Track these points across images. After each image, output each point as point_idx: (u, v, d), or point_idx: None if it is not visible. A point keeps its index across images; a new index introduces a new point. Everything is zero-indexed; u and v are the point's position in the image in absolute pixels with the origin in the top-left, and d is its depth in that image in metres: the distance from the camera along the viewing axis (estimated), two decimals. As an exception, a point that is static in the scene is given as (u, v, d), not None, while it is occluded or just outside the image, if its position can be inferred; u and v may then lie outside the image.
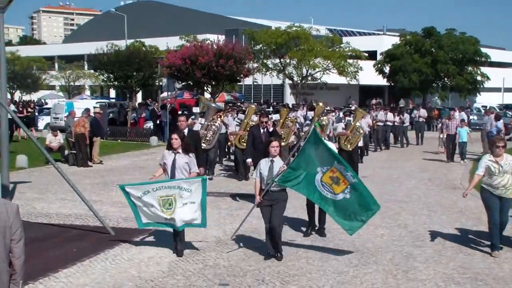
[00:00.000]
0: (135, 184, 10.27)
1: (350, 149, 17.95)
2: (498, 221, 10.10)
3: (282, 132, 18.69)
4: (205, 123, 17.96)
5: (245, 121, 19.05)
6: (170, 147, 10.11)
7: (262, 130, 14.88)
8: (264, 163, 9.80)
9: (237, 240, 10.64)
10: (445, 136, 24.21)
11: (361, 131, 18.71)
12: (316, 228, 11.59)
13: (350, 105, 45.93)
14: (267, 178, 9.66)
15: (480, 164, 10.56)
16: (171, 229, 9.95)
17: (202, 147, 17.34)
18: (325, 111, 21.11)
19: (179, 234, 9.89)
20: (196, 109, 21.81)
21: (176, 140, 9.94)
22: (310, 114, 21.77)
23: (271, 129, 15.14)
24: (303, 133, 18.68)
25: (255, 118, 21.21)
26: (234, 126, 20.57)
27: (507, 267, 9.55)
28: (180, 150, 9.99)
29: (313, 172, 9.81)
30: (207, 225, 10.15)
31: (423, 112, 32.40)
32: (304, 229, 11.70)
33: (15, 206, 5.34)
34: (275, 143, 9.84)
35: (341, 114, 22.08)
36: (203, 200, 9.62)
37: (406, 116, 31.23)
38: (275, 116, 19.99)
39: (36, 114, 39.11)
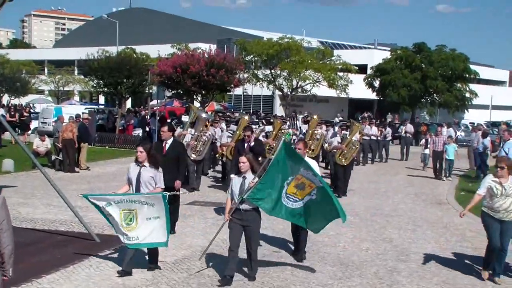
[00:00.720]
0: (98, 195, 9.62)
1: (345, 164, 17.83)
2: (498, 246, 9.55)
3: (274, 145, 18.07)
4: (195, 133, 17.65)
5: (238, 132, 18.19)
6: (136, 160, 9.55)
7: (246, 144, 14.09)
8: (236, 180, 9.25)
9: (221, 250, 10.63)
10: (431, 153, 23.91)
11: (357, 146, 18.48)
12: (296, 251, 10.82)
13: (336, 118, 46.04)
14: (238, 195, 9.03)
15: (483, 183, 9.85)
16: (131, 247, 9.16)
17: (192, 158, 17.31)
18: (319, 124, 21.19)
19: (139, 252, 9.24)
20: (185, 118, 21.37)
21: (141, 153, 9.40)
22: (304, 127, 21.60)
23: (252, 143, 14.16)
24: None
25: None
26: (226, 137, 19.68)
27: (489, 283, 9.60)
28: (146, 164, 9.43)
29: (281, 188, 9.17)
30: (194, 234, 10.15)
31: (409, 128, 32.12)
32: (290, 245, 11.68)
33: (1, 197, 5.60)
34: (242, 159, 9.19)
35: (337, 128, 21.73)
36: (167, 217, 9.03)
37: (389, 131, 30.84)
38: (268, 128, 19.54)
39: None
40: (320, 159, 23.56)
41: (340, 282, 9.39)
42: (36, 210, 13.97)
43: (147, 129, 32.41)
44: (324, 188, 9.07)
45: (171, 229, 11.36)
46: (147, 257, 9.65)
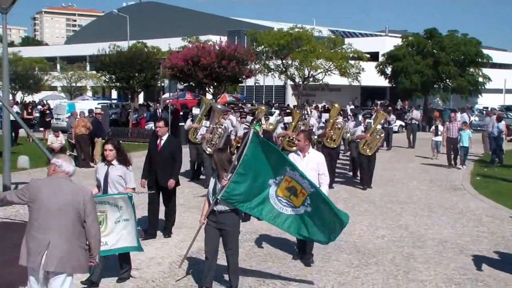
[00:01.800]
0: None
1: (369, 154, 17.18)
2: None
3: (294, 136, 16.29)
4: (210, 126, 16.82)
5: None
6: (104, 158, 8.87)
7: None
8: (212, 179, 8.41)
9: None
10: (444, 140, 23.08)
11: (381, 135, 17.57)
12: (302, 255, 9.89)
13: (348, 106, 45.77)
14: (212, 196, 8.20)
15: None
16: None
17: (208, 152, 16.20)
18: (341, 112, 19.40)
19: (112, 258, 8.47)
20: (196, 110, 20.40)
21: (110, 152, 8.73)
22: (325, 116, 19.92)
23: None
24: (315, 138, 18.08)
25: (271, 120, 20.12)
26: (243, 129, 18.28)
27: (508, 267, 9.56)
28: (114, 162, 8.77)
29: (264, 186, 8.22)
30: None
31: (415, 114, 31.74)
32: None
33: (89, 192, 6.26)
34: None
35: (360, 117, 20.86)
36: (135, 220, 8.29)
37: (393, 118, 30.48)
38: (287, 119, 18.52)
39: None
40: (342, 151, 22.63)
41: (356, 269, 9.39)
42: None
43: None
44: (316, 193, 8.14)
45: (166, 234, 11.25)
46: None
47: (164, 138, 11.12)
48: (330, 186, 16.33)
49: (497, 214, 13.92)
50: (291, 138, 17.06)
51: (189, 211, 13.63)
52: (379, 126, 17.86)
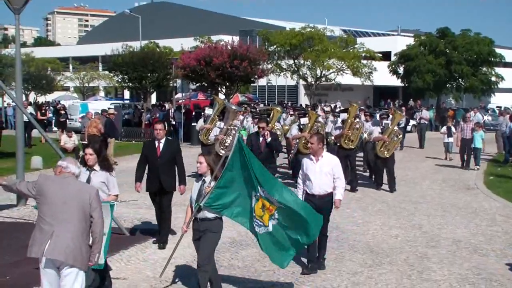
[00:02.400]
0: None
1: (387, 156, 16.63)
2: None
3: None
4: (224, 127, 16.38)
5: (270, 125, 16.82)
6: (85, 163, 8.37)
7: (261, 138, 12.98)
8: (195, 184, 8.02)
9: (248, 242, 10.66)
10: (458, 141, 22.32)
11: (399, 136, 17.10)
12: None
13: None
14: (195, 203, 7.82)
15: None
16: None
17: (221, 154, 15.10)
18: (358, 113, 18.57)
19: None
20: (209, 111, 19.31)
21: (91, 156, 8.34)
22: (342, 116, 18.71)
23: (268, 139, 12.96)
24: (332, 139, 17.64)
25: (285, 122, 19.60)
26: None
27: (522, 268, 9.53)
28: (96, 167, 8.40)
29: (248, 197, 7.79)
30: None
31: (424, 114, 31.59)
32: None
33: (94, 189, 6.48)
34: (200, 158, 7.94)
35: (378, 117, 20.14)
36: (108, 232, 7.43)
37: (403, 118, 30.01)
38: (303, 120, 17.39)
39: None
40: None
41: (370, 269, 9.39)
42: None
43: (173, 122, 32.62)
44: (283, 209, 7.61)
45: (162, 243, 10.55)
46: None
47: (163, 141, 10.67)
48: (355, 189, 16.49)
49: (511, 213, 13.87)
50: (307, 140, 15.60)
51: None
52: (395, 127, 17.36)
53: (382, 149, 16.66)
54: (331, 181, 9.14)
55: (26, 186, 6.35)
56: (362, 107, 27.06)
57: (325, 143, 15.55)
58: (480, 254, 10.32)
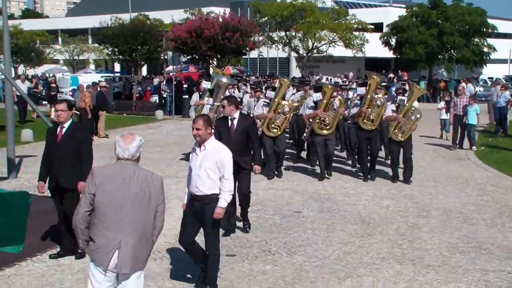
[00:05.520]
0: None
1: (402, 139, 13.72)
2: None
3: (326, 117, 13.84)
4: (215, 104, 13.72)
5: (276, 100, 14.19)
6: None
7: (230, 123, 9.40)
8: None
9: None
10: (451, 117, 20.02)
11: (418, 115, 13.81)
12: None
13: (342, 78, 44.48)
14: None
15: None
16: None
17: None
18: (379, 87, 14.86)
19: None
20: (206, 84, 16.07)
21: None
22: (360, 90, 15.68)
23: (235, 120, 9.37)
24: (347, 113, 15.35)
25: (294, 97, 16.95)
26: (261, 107, 14.43)
27: (511, 236, 9.61)
28: (66, 125, 8.23)
29: None
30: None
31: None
32: (313, 203, 11.71)
33: (160, 179, 5.40)
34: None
35: (393, 92, 16.82)
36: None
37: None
38: (316, 96, 14.60)
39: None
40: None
41: (361, 239, 9.44)
42: (57, 178, 14.06)
43: (164, 95, 32.50)
44: None
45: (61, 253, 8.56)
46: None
47: (66, 125, 8.37)
48: (371, 178, 14.02)
49: (501, 183, 13.96)
50: (321, 119, 13.93)
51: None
52: (414, 104, 14.16)
53: (396, 131, 13.74)
54: (211, 180, 6.99)
55: (85, 207, 5.19)
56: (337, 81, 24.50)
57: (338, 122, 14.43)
58: (470, 223, 10.39)
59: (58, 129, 8.41)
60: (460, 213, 11.03)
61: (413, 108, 13.83)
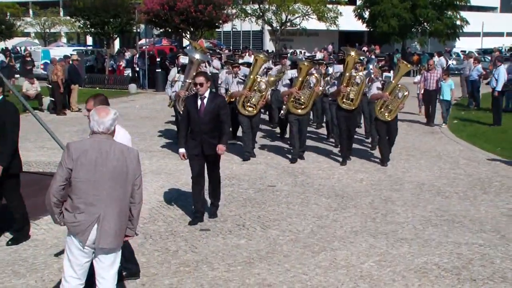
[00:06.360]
0: None
1: (389, 119, 12.87)
2: None
3: (300, 96, 13.02)
4: (186, 81, 12.78)
5: (252, 77, 13.55)
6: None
7: (199, 102, 8.76)
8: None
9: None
10: (421, 92, 19.65)
11: (405, 93, 12.94)
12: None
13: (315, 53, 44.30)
14: None
15: None
16: None
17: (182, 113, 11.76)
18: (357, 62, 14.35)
19: None
20: (184, 59, 14.85)
21: None
22: (338, 67, 15.46)
23: (206, 95, 8.80)
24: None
25: (272, 72, 16.60)
26: (236, 84, 13.98)
27: (483, 209, 9.71)
28: None
29: None
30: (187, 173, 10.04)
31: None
32: (286, 177, 11.73)
33: (136, 152, 5.41)
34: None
35: (371, 67, 16.13)
36: None
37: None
38: (291, 73, 13.69)
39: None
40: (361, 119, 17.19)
41: (335, 213, 9.48)
42: (29, 153, 13.90)
43: (137, 69, 32.21)
44: None
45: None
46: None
47: None
48: (344, 162, 13.12)
49: (473, 156, 14.09)
50: (297, 98, 13.10)
51: (167, 157, 13.64)
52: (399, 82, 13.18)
53: (382, 110, 12.91)
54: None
55: (60, 181, 5.13)
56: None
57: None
58: (443, 196, 10.48)
59: None
60: (433, 187, 11.12)
61: (399, 85, 12.99)
